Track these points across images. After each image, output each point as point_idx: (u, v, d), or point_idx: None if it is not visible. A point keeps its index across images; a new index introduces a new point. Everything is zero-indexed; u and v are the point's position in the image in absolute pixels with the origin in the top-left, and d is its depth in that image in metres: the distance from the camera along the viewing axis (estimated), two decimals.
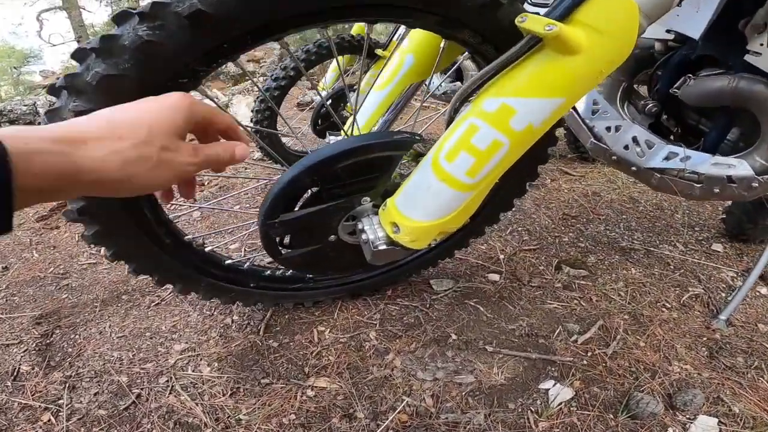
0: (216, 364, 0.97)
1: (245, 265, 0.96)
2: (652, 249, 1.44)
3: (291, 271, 1.03)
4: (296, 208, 0.71)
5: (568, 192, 1.81)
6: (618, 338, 1.06)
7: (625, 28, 0.56)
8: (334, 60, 1.71)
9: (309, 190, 0.69)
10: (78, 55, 0.56)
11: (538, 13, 0.59)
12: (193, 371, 0.95)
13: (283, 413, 0.87)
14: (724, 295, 1.25)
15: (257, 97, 1.61)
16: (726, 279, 1.31)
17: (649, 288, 1.25)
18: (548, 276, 1.27)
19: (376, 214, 0.74)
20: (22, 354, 1.00)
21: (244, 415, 0.86)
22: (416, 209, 0.66)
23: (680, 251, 1.43)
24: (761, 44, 0.87)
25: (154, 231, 0.76)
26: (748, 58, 0.88)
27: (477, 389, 0.92)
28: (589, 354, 1.01)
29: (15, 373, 0.95)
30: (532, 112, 0.60)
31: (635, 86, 1.18)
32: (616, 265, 1.34)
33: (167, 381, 0.93)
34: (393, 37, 1.39)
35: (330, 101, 1.58)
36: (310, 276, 1.04)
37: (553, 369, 0.97)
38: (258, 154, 1.96)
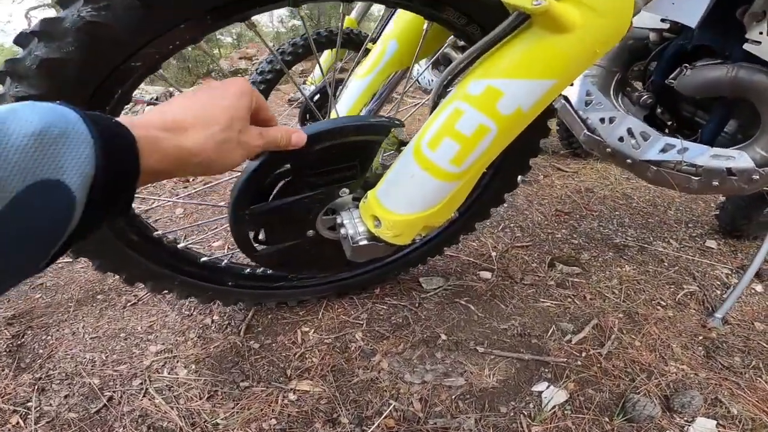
0: (193, 366, 0.92)
1: (223, 263, 0.92)
2: (645, 246, 1.41)
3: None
4: (270, 200, 0.67)
5: (561, 188, 1.78)
6: (613, 338, 1.03)
7: (619, 5, 0.53)
8: (324, 54, 1.67)
9: (283, 180, 0.64)
10: (20, 40, 0.53)
11: None
12: (168, 374, 0.91)
13: (263, 418, 0.82)
14: (719, 292, 1.22)
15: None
16: (720, 276, 1.29)
17: (644, 285, 1.22)
18: (541, 274, 1.23)
19: (357, 207, 0.70)
20: None
21: (222, 419, 0.82)
22: (398, 201, 0.62)
23: (674, 248, 1.41)
24: (760, 32, 0.84)
25: (117, 226, 0.72)
26: (746, 46, 0.85)
27: (467, 392, 0.88)
28: (584, 354, 0.98)
29: None
30: (520, 95, 0.56)
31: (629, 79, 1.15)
32: (610, 263, 1.31)
33: (141, 383, 0.88)
34: (381, 31, 1.35)
35: (318, 96, 1.53)
36: (290, 275, 1.00)
37: (546, 370, 0.94)
38: None
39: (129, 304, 1.09)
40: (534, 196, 1.69)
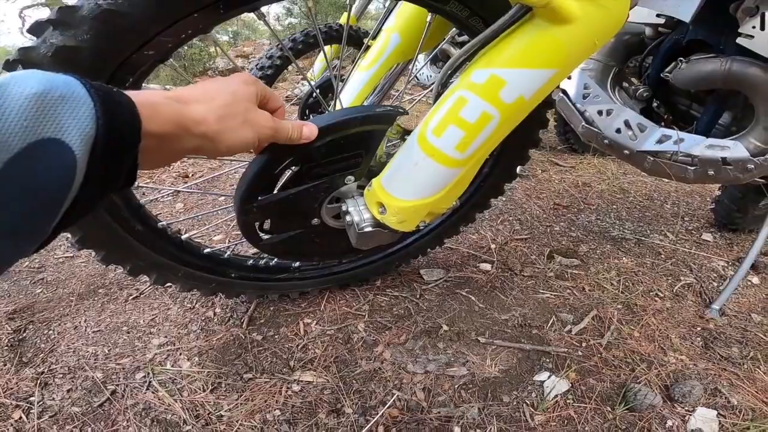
0: (196, 359, 0.92)
1: (226, 254, 0.92)
2: (643, 238, 1.42)
3: (275, 260, 0.99)
4: (276, 191, 0.67)
5: (559, 183, 1.79)
6: (612, 328, 1.04)
7: None
8: (322, 50, 1.67)
9: (289, 170, 0.65)
10: (35, 29, 0.53)
11: None
12: (172, 366, 0.91)
13: (267, 409, 0.83)
14: (715, 284, 1.24)
15: None
16: (717, 268, 1.31)
17: (642, 277, 1.23)
18: (540, 265, 1.25)
19: (362, 195, 0.70)
20: None
21: (226, 411, 0.82)
22: (403, 188, 0.63)
23: (671, 241, 1.42)
24: (753, 27, 0.85)
25: (122, 216, 0.72)
26: (740, 41, 0.87)
27: (470, 382, 0.89)
28: (584, 345, 0.99)
29: None
30: (522, 84, 0.57)
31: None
32: (608, 255, 1.32)
33: (144, 376, 0.88)
34: (381, 26, 1.36)
35: (318, 90, 1.54)
36: (295, 265, 1.00)
37: (547, 360, 0.95)
38: None
39: (131, 297, 1.09)
40: (532, 190, 1.71)
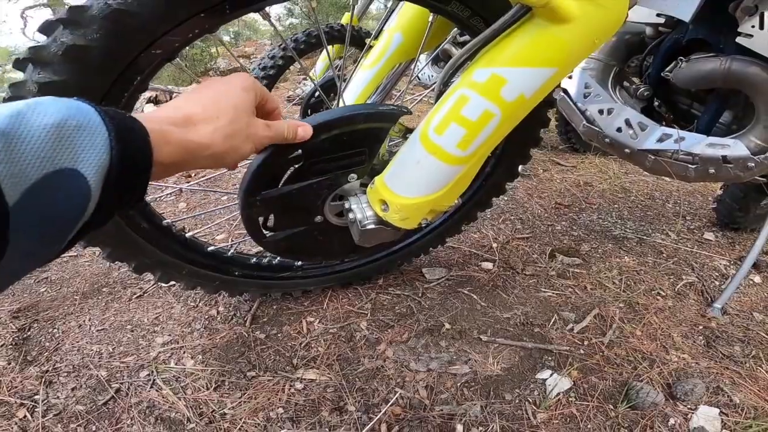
0: (200, 357, 0.93)
1: (229, 252, 0.93)
2: (644, 238, 1.43)
3: (278, 258, 0.99)
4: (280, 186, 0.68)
5: (560, 182, 1.80)
6: (614, 327, 1.04)
7: None
8: (324, 50, 1.68)
9: (293, 166, 0.66)
10: (45, 28, 0.54)
11: None
12: (175, 364, 0.91)
13: (271, 407, 0.83)
14: (717, 283, 1.24)
15: None
16: (719, 267, 1.31)
17: (643, 276, 1.23)
18: (542, 264, 1.25)
19: (364, 192, 0.71)
20: None
21: (229, 409, 0.83)
22: (405, 185, 0.64)
23: (672, 240, 1.43)
24: (752, 26, 0.86)
25: (128, 213, 0.73)
26: (739, 40, 0.87)
27: (472, 380, 0.89)
28: (586, 343, 0.99)
29: None
30: (523, 82, 0.58)
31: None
32: (610, 254, 1.32)
33: (148, 375, 0.89)
34: (383, 26, 1.36)
35: (321, 90, 1.55)
36: (298, 264, 1.01)
37: (549, 358, 0.95)
38: None
39: (135, 296, 1.10)
40: (534, 189, 1.71)
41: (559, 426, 0.81)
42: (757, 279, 1.27)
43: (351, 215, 0.70)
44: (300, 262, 1.01)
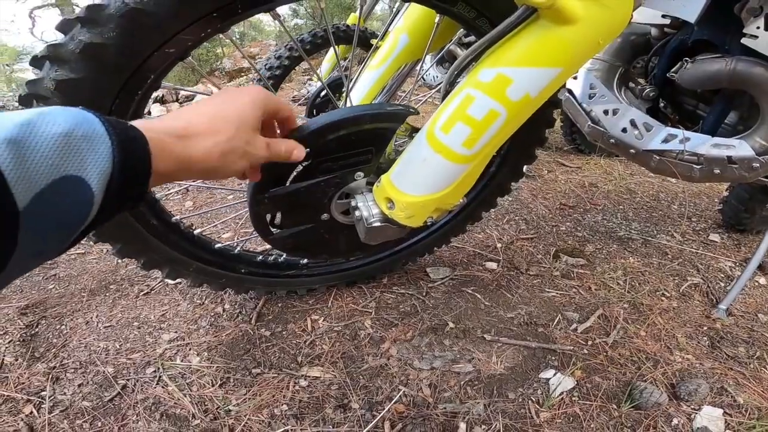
0: (206, 354, 0.94)
1: (236, 250, 0.94)
2: (649, 239, 1.42)
3: (284, 256, 1.00)
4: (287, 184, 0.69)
5: (565, 183, 1.79)
6: (618, 327, 1.04)
7: None
8: (330, 50, 1.69)
9: (300, 164, 0.66)
10: (63, 26, 0.55)
11: None
12: (181, 361, 0.92)
13: (275, 404, 0.84)
14: (722, 284, 1.23)
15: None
16: (724, 269, 1.30)
17: (648, 277, 1.23)
18: (546, 264, 1.25)
19: (371, 191, 0.72)
20: (6, 345, 0.97)
21: (234, 405, 0.83)
22: (411, 183, 0.64)
23: (678, 241, 1.42)
24: (757, 27, 0.86)
25: (138, 210, 0.74)
26: (744, 41, 0.87)
27: (476, 379, 0.90)
28: (590, 343, 0.99)
29: None
30: (529, 82, 0.58)
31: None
32: (614, 254, 1.32)
33: (154, 371, 0.90)
34: (389, 27, 1.37)
35: (324, 91, 1.55)
36: (304, 262, 1.01)
37: (553, 358, 0.95)
38: None
39: (142, 293, 1.11)
40: (538, 190, 1.71)
41: (562, 425, 0.81)
42: (762, 280, 1.26)
43: (357, 213, 0.70)
44: (305, 260, 1.02)
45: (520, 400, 0.86)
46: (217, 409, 0.83)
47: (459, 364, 0.93)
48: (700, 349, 1.00)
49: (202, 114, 0.45)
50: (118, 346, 0.96)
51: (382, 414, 0.82)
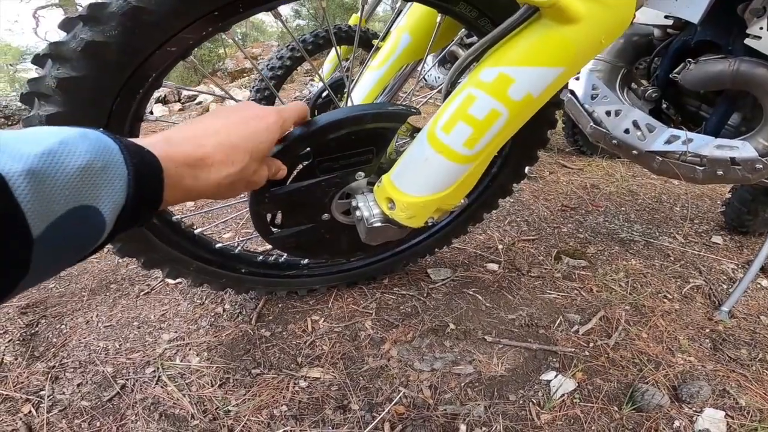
0: (205, 354, 0.93)
1: (236, 250, 0.93)
2: (651, 241, 1.42)
3: (284, 257, 1.00)
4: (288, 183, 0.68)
5: (567, 184, 1.79)
6: (620, 329, 1.03)
7: None
8: (331, 51, 1.69)
9: (301, 164, 0.66)
10: (65, 25, 0.55)
11: None
12: (181, 361, 0.92)
13: (275, 404, 0.84)
14: (725, 287, 1.23)
15: (253, 87, 1.58)
16: (727, 271, 1.30)
17: (650, 279, 1.22)
18: (547, 266, 1.24)
19: (371, 191, 0.71)
20: (5, 344, 0.97)
21: (233, 406, 0.83)
22: (412, 183, 0.64)
23: (680, 243, 1.42)
24: (761, 28, 0.85)
25: None
26: (747, 41, 0.87)
27: (476, 380, 0.89)
28: (591, 345, 0.99)
29: None
30: (531, 82, 0.58)
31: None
32: (616, 256, 1.32)
33: (154, 371, 0.90)
34: (390, 27, 1.37)
35: (326, 91, 1.55)
36: (304, 262, 1.01)
37: (554, 360, 0.95)
38: None
39: (142, 293, 1.11)
40: (540, 192, 1.70)
41: (563, 427, 0.81)
42: (764, 282, 1.26)
43: (358, 213, 0.70)
44: (306, 261, 1.02)
45: (521, 401, 0.86)
46: (216, 409, 0.83)
47: (459, 366, 0.92)
48: (702, 352, 1.00)
49: (222, 144, 0.45)
50: (117, 346, 0.96)
51: (382, 415, 0.81)
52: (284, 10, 0.67)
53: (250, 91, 1.77)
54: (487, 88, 0.59)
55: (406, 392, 0.86)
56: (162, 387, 0.87)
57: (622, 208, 1.63)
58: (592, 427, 0.81)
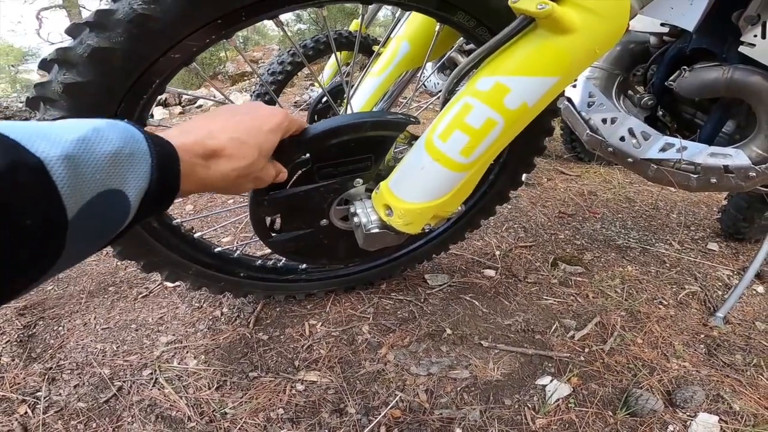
0: (203, 357, 0.94)
1: (235, 254, 0.94)
2: (648, 247, 1.43)
3: (283, 261, 1.01)
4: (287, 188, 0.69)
5: (564, 191, 1.80)
6: (615, 335, 1.04)
7: (616, 9, 0.56)
8: (332, 57, 1.71)
9: (301, 170, 0.67)
10: (72, 30, 0.56)
11: None
12: (178, 364, 0.92)
13: (271, 407, 0.84)
14: (720, 293, 1.24)
15: (253, 91, 1.60)
16: (722, 277, 1.30)
17: (646, 285, 1.23)
18: (544, 272, 1.25)
19: (369, 197, 0.72)
20: (3, 345, 0.97)
21: (230, 408, 0.83)
22: (409, 191, 0.65)
23: (676, 250, 1.43)
24: (755, 35, 0.87)
25: None
26: (742, 49, 0.88)
27: (472, 385, 0.90)
28: (587, 350, 0.99)
29: None
30: (526, 91, 0.59)
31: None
32: (612, 263, 1.33)
33: (151, 373, 0.90)
34: (391, 33, 1.38)
35: (324, 97, 1.56)
36: (303, 267, 1.02)
37: (549, 365, 0.95)
38: None
39: (140, 296, 1.11)
40: (537, 198, 1.71)
41: (558, 431, 0.81)
42: (760, 289, 1.27)
43: (356, 219, 0.71)
44: (304, 265, 1.02)
45: (516, 406, 0.86)
46: (212, 412, 0.83)
47: (456, 370, 0.93)
48: (696, 357, 1.00)
49: (234, 133, 0.48)
50: (115, 348, 0.96)
51: (378, 419, 0.82)
52: (285, 15, 0.69)
53: (251, 95, 1.78)
54: (483, 97, 0.60)
55: (402, 396, 0.86)
56: (159, 389, 0.87)
57: (619, 215, 1.64)
58: None
